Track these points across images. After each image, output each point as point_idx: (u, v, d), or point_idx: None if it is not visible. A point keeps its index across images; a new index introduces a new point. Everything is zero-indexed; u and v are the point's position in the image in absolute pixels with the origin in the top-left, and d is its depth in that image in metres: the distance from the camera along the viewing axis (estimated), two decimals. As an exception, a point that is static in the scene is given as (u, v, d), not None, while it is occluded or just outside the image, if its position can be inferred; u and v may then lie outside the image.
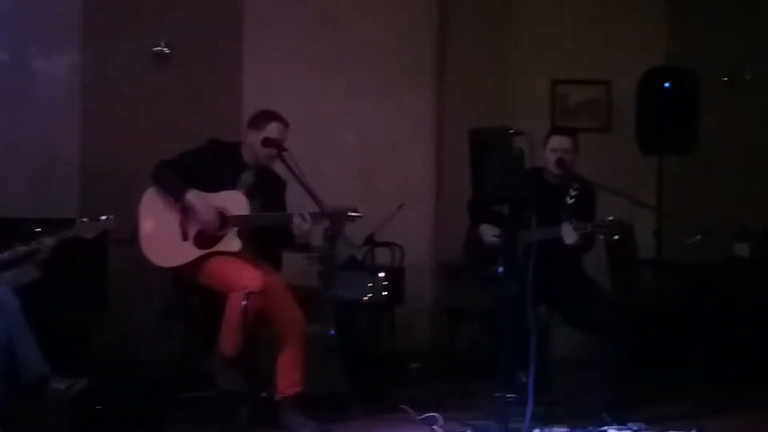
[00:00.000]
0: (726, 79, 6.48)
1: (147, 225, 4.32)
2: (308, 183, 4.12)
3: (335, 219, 4.17)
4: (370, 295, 5.29)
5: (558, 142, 4.68)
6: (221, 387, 4.27)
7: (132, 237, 4.32)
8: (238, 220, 4.29)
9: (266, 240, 4.40)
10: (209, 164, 4.35)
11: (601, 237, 4.45)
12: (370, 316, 5.40)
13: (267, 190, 4.44)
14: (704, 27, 6.44)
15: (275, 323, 4.27)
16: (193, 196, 4.26)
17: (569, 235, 4.42)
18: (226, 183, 4.36)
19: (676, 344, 5.50)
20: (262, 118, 4.42)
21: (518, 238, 4.34)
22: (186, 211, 4.30)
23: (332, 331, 4.91)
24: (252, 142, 4.40)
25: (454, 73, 6.27)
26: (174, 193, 4.29)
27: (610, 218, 4.41)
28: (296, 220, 4.24)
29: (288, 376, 4.25)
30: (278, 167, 4.38)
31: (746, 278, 5.85)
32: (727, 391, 5.07)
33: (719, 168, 6.40)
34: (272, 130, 4.37)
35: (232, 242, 4.30)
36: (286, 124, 4.42)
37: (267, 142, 4.35)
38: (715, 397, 4.79)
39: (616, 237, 4.44)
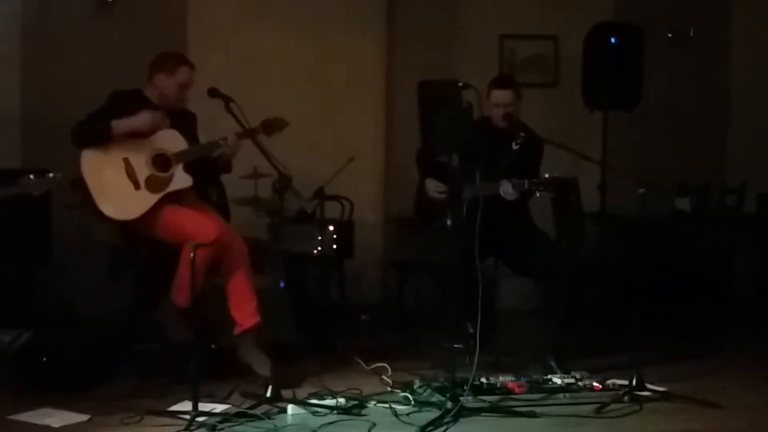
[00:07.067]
0: (670, 35, 6.57)
1: (95, 186, 4.22)
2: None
3: (284, 177, 4.16)
4: (320, 248, 5.30)
5: (500, 96, 4.67)
6: (171, 339, 4.27)
7: (84, 200, 4.24)
8: (180, 155, 4.28)
9: (202, 171, 4.39)
10: (118, 116, 4.26)
11: (537, 194, 4.47)
12: (320, 268, 5.42)
13: (181, 127, 4.40)
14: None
15: (221, 259, 4.23)
16: (117, 123, 4.20)
17: (508, 192, 4.44)
18: None
19: (619, 295, 5.63)
20: (172, 61, 4.40)
21: (464, 192, 4.38)
22: (128, 161, 4.24)
23: (282, 284, 4.94)
24: (163, 86, 4.36)
25: (404, 26, 6.23)
26: (102, 133, 4.20)
27: (546, 175, 4.44)
28: (231, 138, 4.26)
29: (243, 308, 4.23)
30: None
31: (687, 231, 6.00)
32: (667, 341, 5.23)
33: (662, 124, 6.51)
34: (183, 73, 4.36)
35: (182, 179, 4.29)
36: (193, 67, 4.42)
37: (213, 93, 4.31)
38: (655, 347, 4.93)
39: (554, 194, 4.48)
